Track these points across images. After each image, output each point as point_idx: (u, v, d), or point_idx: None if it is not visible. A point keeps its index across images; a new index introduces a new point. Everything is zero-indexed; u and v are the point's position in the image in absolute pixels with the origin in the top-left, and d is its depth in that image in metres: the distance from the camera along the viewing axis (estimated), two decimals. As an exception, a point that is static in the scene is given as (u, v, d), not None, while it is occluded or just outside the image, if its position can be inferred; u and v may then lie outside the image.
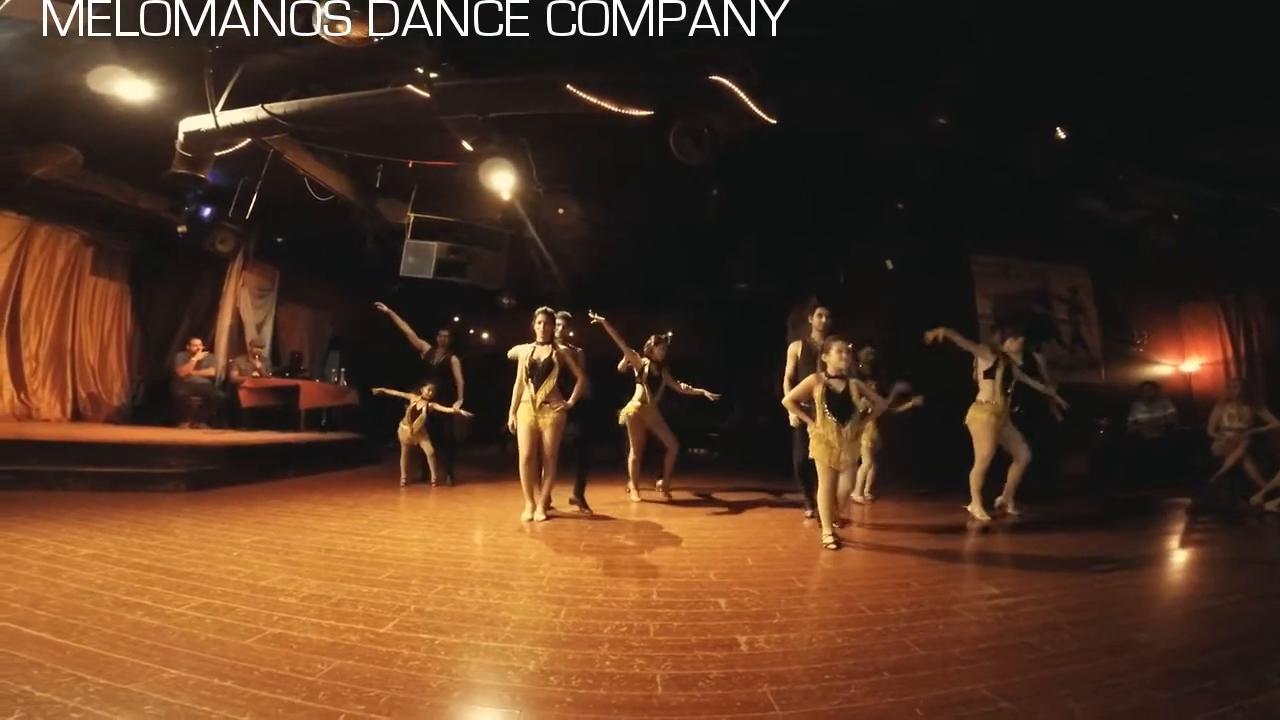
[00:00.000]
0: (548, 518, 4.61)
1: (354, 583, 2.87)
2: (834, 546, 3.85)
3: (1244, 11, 4.34)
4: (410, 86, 5.07)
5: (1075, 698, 1.83)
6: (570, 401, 4.75)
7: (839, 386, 3.93)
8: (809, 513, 4.68)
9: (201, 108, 5.52)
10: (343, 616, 2.41)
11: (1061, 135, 5.38)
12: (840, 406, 3.90)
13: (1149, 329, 9.29)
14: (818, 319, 4.91)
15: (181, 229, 7.67)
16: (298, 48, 4.97)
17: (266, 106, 5.46)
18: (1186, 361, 9.09)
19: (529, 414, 4.66)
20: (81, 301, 8.50)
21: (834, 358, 3.95)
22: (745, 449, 10.82)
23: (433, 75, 5.05)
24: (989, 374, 5.17)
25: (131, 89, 5.28)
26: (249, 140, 5.99)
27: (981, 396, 5.19)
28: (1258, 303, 8.25)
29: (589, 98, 5.01)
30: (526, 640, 2.23)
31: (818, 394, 3.95)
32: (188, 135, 5.76)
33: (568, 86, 4.98)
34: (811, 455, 4.03)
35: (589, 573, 3.21)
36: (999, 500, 5.23)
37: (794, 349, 4.91)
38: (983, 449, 5.12)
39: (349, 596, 2.66)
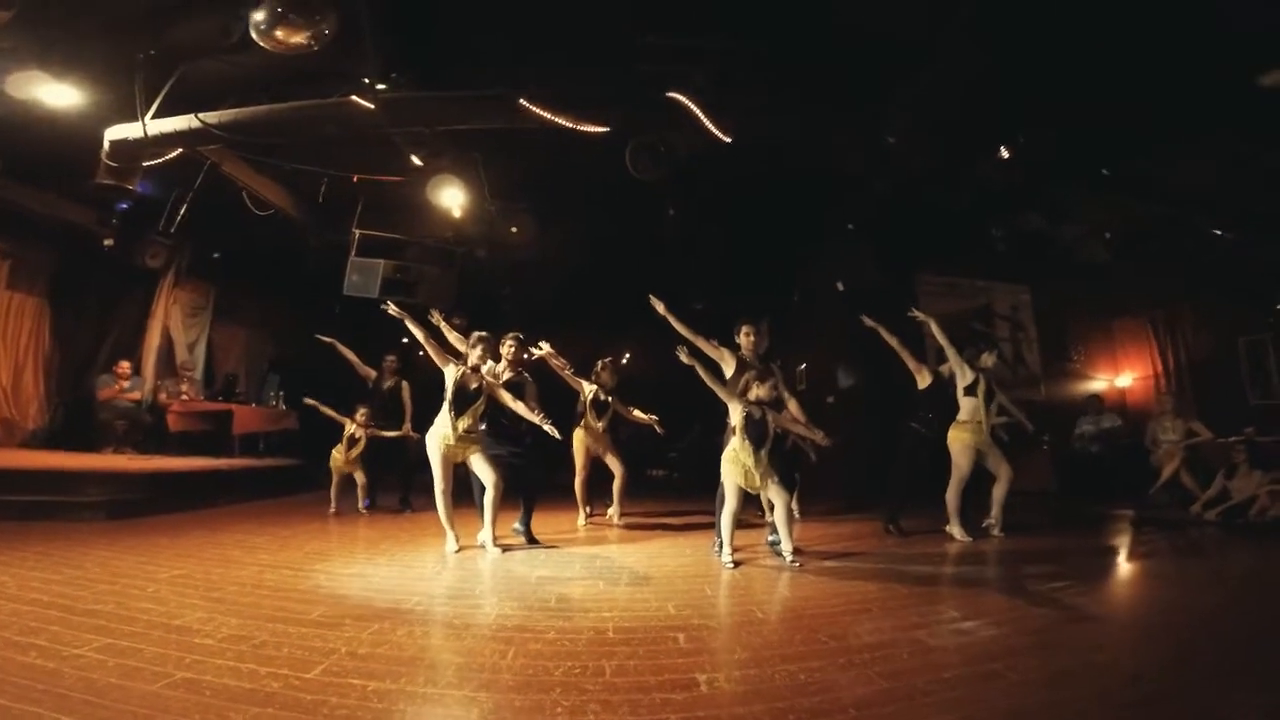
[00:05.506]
0: (501, 549, 4.36)
1: (280, 622, 2.63)
2: (731, 566, 3.93)
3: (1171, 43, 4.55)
4: (355, 97, 4.89)
5: (1044, 730, 1.77)
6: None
7: (758, 414, 4.05)
8: (771, 536, 4.58)
9: (132, 115, 5.23)
10: (264, 660, 2.18)
11: (1005, 154, 5.52)
12: (758, 433, 4.02)
13: (1085, 345, 9.63)
14: (744, 338, 4.66)
15: (108, 242, 7.25)
16: (240, 54, 4.75)
17: (200, 115, 5.19)
18: (1120, 376, 9.41)
19: (444, 443, 4.31)
20: (-7, 319, 7.91)
21: (758, 389, 4.08)
22: (705, 470, 10.73)
23: (379, 86, 4.89)
24: (969, 391, 5.05)
25: (55, 94, 4.98)
26: (181, 150, 5.69)
27: (962, 415, 5.06)
28: (1185, 317, 8.58)
29: (543, 113, 4.92)
30: (470, 685, 2.06)
31: (738, 419, 4.05)
32: (113, 144, 5.45)
33: (521, 101, 4.88)
34: (724, 476, 4.10)
35: (539, 608, 3.02)
36: (987, 521, 5.15)
37: (727, 355, 4.66)
38: (961, 468, 5.01)
39: (273, 638, 2.42)
